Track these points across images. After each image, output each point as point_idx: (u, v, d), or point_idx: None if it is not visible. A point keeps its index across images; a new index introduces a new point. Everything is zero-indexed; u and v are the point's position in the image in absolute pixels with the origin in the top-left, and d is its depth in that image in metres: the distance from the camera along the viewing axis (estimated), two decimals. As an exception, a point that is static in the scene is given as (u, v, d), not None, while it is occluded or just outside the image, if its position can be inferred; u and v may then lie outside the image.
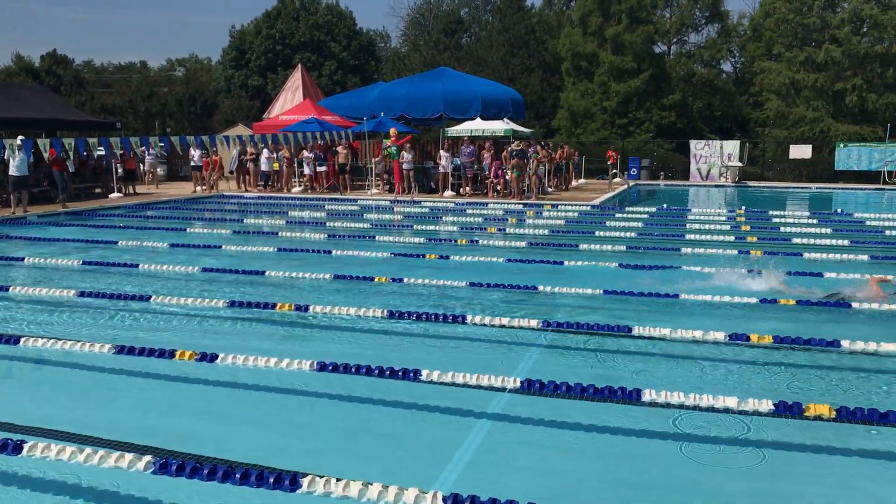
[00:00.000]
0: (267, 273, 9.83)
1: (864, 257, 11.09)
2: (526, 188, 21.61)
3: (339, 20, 53.24)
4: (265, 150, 24.05)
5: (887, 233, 14.29)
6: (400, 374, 5.29)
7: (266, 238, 13.67)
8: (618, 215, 17.84)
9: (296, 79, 32.08)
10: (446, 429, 4.95)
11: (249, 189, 24.51)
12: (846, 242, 12.67)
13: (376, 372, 5.33)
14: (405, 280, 9.11)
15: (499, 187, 22.07)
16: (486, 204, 19.86)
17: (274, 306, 7.65)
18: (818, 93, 36.32)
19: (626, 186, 27.59)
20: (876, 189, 29.08)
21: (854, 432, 4.66)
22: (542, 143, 25.73)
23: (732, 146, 31.82)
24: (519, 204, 19.86)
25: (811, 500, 4.05)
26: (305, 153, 23.90)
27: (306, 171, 24.12)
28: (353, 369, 5.38)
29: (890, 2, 35.97)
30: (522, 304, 8.34)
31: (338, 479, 3.63)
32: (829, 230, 14.41)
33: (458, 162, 22.93)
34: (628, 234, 13.52)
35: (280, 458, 4.19)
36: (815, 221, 16.38)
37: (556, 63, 44.43)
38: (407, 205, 19.75)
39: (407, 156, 22.60)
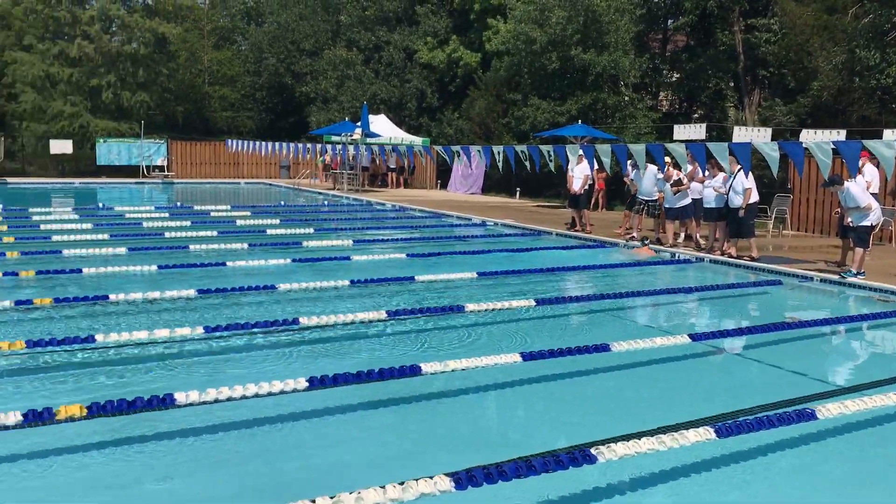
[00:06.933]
0: None
1: (123, 250, 11.55)
2: None
3: None
4: None
5: (145, 225, 15.19)
6: None
7: None
8: None
9: None
10: None
11: None
12: (107, 236, 13.00)
13: None
14: None
15: None
16: None
17: None
18: (74, 87, 36.15)
19: None
20: (137, 183, 30.62)
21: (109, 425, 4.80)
22: None
23: (-15, 140, 29.50)
24: None
25: None
26: None
27: None
28: None
29: (135, 6, 37.98)
30: None
31: None
32: (90, 225, 14.56)
33: None
34: None
35: None
36: (76, 217, 16.40)
37: None
38: None
39: None
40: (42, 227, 14.52)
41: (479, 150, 15.58)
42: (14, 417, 4.35)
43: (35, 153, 34.24)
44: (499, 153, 14.82)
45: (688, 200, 13.88)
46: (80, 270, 9.57)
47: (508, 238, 15.41)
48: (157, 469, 4.40)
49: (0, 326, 7.13)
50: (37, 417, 4.42)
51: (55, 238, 12.68)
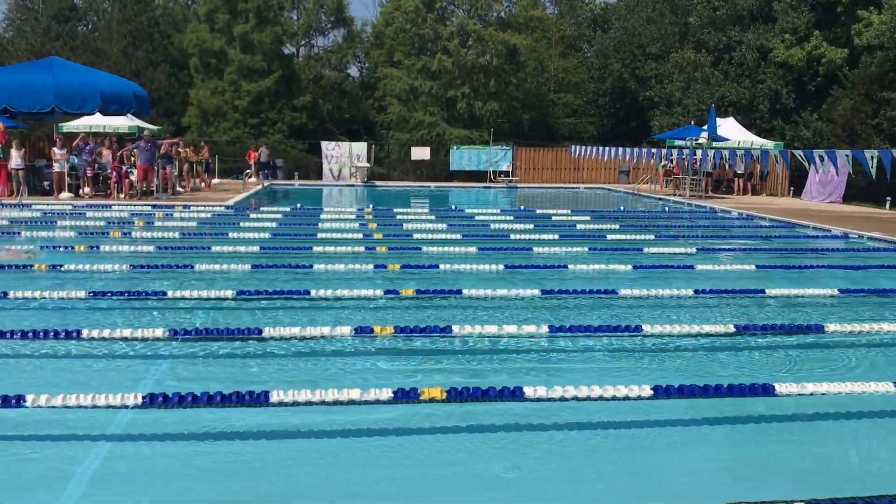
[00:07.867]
0: None
1: (473, 249, 12.34)
2: (155, 188, 20.56)
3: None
4: None
5: (492, 226, 16.08)
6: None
7: None
8: (252, 216, 17.74)
9: None
10: (58, 458, 4.50)
11: None
12: (459, 236, 13.99)
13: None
14: (10, 295, 8.09)
15: (125, 189, 20.67)
16: (111, 206, 18.48)
17: None
18: (434, 99, 39.58)
19: (260, 186, 27.54)
20: (484, 187, 32.56)
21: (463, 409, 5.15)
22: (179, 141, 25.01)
23: (361, 147, 33.38)
24: (147, 205, 18.79)
25: (411, 485, 4.40)
26: None
27: None
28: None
29: (489, 20, 40.49)
30: (148, 312, 7.89)
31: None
32: (444, 225, 15.79)
33: (76, 161, 21.04)
34: (263, 235, 13.50)
35: None
36: (433, 217, 17.86)
37: (183, 58, 42.79)
38: (15, 209, 17.59)
39: (15, 153, 20.20)
40: (404, 225, 16.06)
41: (847, 155, 14.10)
42: (386, 394, 4.85)
43: (398, 159, 38.05)
44: (872, 158, 13.29)
45: None
46: (437, 266, 10.41)
47: (876, 253, 13.77)
48: (506, 457, 4.62)
49: (373, 312, 8.02)
50: (404, 396, 4.88)
51: (416, 236, 13.94)
